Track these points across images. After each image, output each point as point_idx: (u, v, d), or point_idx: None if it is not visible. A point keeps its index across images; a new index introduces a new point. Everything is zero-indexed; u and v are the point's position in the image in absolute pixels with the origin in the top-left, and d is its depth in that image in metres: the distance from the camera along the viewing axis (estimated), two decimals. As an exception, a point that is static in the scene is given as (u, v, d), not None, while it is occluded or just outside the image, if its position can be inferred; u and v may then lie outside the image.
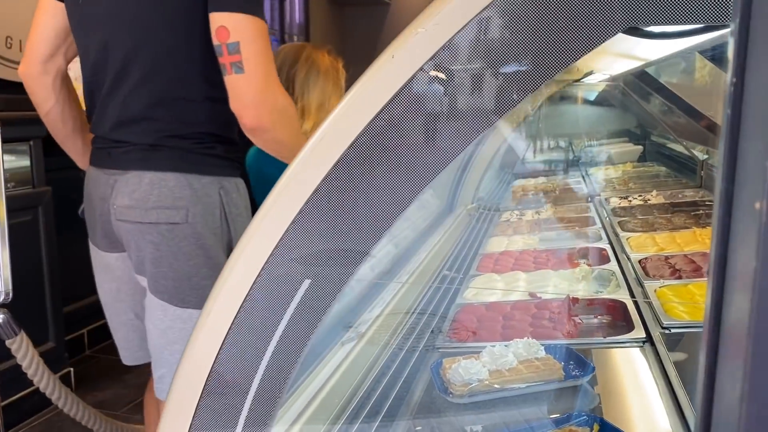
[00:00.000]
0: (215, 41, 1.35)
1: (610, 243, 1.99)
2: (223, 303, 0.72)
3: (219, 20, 1.34)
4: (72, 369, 3.02)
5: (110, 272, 1.65)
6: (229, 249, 1.50)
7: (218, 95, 1.41)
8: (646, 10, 0.57)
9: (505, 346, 1.16)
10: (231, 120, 1.42)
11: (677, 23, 0.58)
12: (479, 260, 1.99)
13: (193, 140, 1.45)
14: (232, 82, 1.36)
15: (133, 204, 1.45)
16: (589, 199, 2.83)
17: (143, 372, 3.20)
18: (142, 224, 1.45)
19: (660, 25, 0.57)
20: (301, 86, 1.91)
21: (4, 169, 1.39)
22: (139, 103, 1.46)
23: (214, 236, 1.45)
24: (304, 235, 0.69)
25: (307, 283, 0.69)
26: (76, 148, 1.80)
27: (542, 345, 1.17)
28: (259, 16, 1.36)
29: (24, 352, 1.58)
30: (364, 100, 0.65)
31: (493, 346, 1.16)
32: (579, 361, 1.16)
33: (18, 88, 3.01)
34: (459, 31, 0.61)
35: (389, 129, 0.65)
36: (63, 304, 3.05)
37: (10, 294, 1.38)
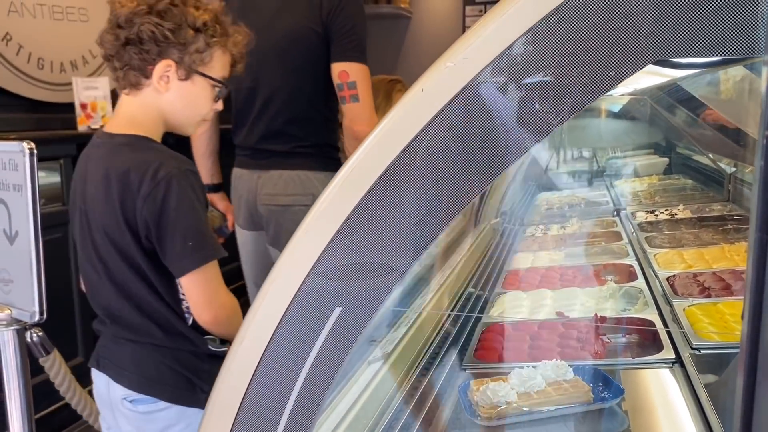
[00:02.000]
0: (337, 80, 2.04)
1: (637, 259, 1.98)
2: (255, 332, 0.73)
3: (341, 67, 2.03)
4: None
5: (244, 246, 2.30)
6: None
7: (332, 117, 2.18)
8: (676, 43, 0.58)
9: (534, 368, 1.16)
10: (337, 133, 2.17)
11: (708, 56, 0.58)
12: (505, 277, 1.98)
13: (316, 147, 2.15)
14: (351, 108, 2.05)
15: (275, 192, 2.12)
16: (615, 213, 2.81)
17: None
18: (281, 206, 2.11)
19: (691, 57, 0.57)
20: None
21: (39, 191, 1.42)
22: (279, 123, 2.12)
23: None
24: (334, 264, 0.70)
25: (338, 311, 0.70)
26: (207, 165, 2.34)
27: (571, 366, 1.17)
28: (366, 64, 2.05)
29: (56, 370, 1.60)
30: (395, 133, 0.66)
31: (521, 368, 1.16)
32: (608, 383, 1.15)
33: (48, 107, 3.09)
34: (487, 66, 0.62)
35: (419, 161, 0.66)
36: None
37: (45, 314, 1.40)
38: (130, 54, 1.25)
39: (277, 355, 0.72)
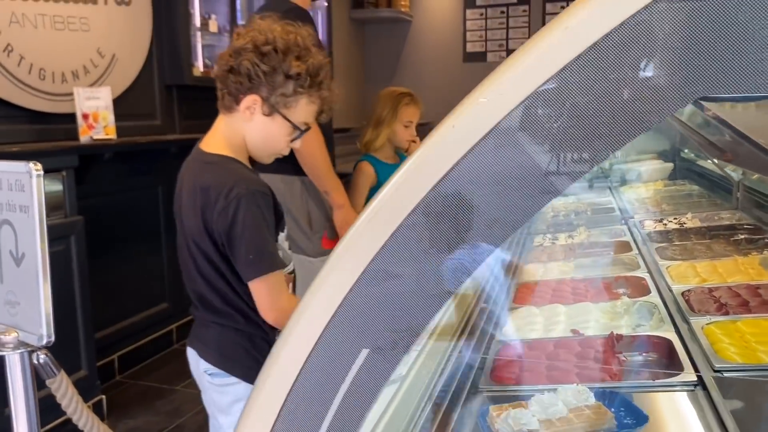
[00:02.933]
0: None
1: (649, 271, 1.95)
2: (278, 374, 0.71)
3: None
4: (104, 396, 3.03)
5: None
6: None
7: None
8: (717, 81, 0.55)
9: (554, 392, 1.13)
10: None
11: (750, 92, 0.56)
12: (516, 290, 1.96)
13: None
14: None
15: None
16: (623, 221, 2.78)
17: (175, 399, 3.21)
18: None
19: (732, 94, 0.55)
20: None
21: (44, 207, 1.39)
22: None
23: None
24: (358, 310, 0.67)
25: (365, 352, 0.67)
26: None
27: (591, 390, 1.14)
28: None
29: (63, 391, 1.57)
30: (423, 170, 0.64)
31: (542, 394, 1.13)
32: (630, 408, 1.13)
33: (49, 118, 3.06)
34: (522, 102, 0.59)
35: (449, 199, 0.63)
36: (94, 332, 3.07)
37: (53, 337, 1.37)
38: (229, 81, 1.43)
39: (296, 407, 0.69)
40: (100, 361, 3.16)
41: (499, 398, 1.24)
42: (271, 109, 1.43)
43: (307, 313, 0.70)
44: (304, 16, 2.26)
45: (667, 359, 1.40)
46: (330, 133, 2.63)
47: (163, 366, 3.62)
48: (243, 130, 1.48)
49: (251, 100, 1.42)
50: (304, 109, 1.46)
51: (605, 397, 1.15)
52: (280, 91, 1.41)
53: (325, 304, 0.68)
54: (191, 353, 1.59)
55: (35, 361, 1.52)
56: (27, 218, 1.44)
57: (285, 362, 0.70)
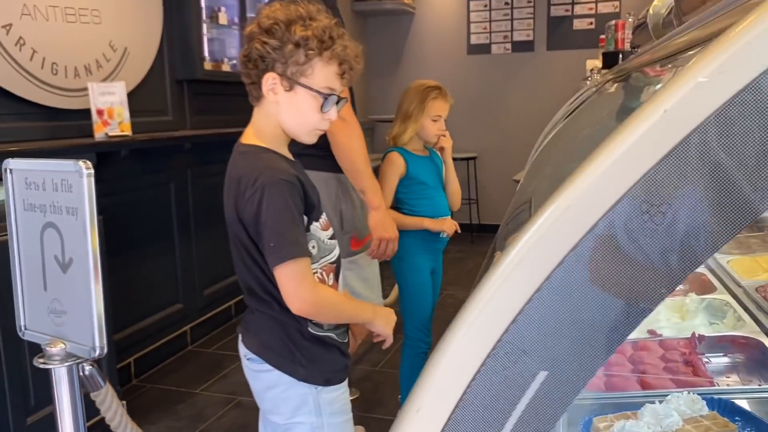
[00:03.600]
0: None
1: (707, 266, 1.88)
2: (432, 403, 0.62)
3: None
4: (124, 402, 2.93)
5: None
6: None
7: None
8: None
9: (665, 402, 1.05)
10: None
11: None
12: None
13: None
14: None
15: None
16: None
17: (196, 402, 3.12)
18: None
19: None
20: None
21: (95, 207, 1.29)
22: None
23: None
24: (536, 322, 0.59)
25: (543, 375, 0.59)
26: None
27: (703, 399, 1.07)
28: None
29: (108, 404, 1.47)
30: (623, 167, 0.55)
31: (653, 403, 1.05)
32: (746, 417, 1.05)
33: (63, 114, 2.95)
34: (757, 78, 0.51)
35: (657, 199, 0.54)
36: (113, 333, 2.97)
37: (105, 348, 1.28)
38: (248, 70, 1.43)
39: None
40: (117, 365, 3.07)
41: (593, 406, 1.16)
42: (291, 82, 1.43)
43: (469, 337, 0.61)
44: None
45: (757, 360, 1.33)
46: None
47: (179, 368, 3.52)
48: (275, 115, 1.48)
49: (270, 79, 1.42)
50: (322, 72, 1.43)
51: (713, 404, 1.08)
52: (293, 61, 1.40)
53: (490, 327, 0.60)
54: (240, 339, 1.63)
55: (81, 374, 1.43)
56: (75, 221, 1.34)
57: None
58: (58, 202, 1.35)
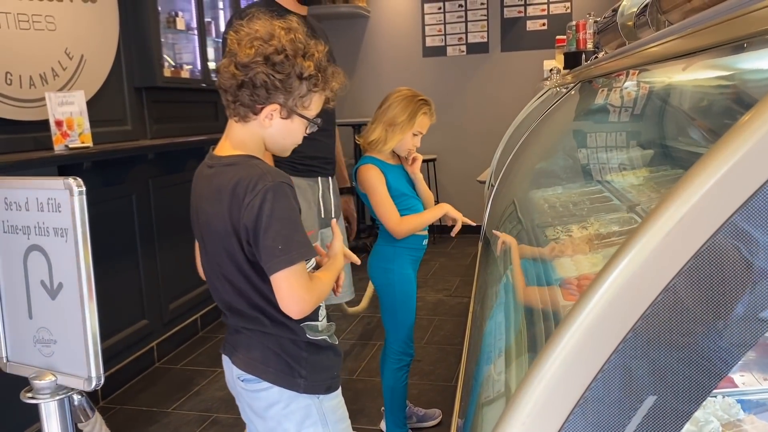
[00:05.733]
0: None
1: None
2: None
3: None
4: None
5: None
6: None
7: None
8: None
9: (702, 408, 1.03)
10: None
11: None
12: (561, 290, 1.86)
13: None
14: None
15: None
16: (628, 209, 2.73)
17: (169, 423, 3.00)
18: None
19: None
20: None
21: (88, 228, 1.20)
22: None
23: None
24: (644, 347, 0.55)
25: (651, 400, 0.55)
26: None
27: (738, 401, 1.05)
28: None
29: (98, 435, 1.38)
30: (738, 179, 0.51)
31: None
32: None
33: (19, 126, 2.79)
34: None
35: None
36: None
37: (102, 379, 1.19)
38: (243, 94, 1.43)
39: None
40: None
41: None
42: (290, 112, 1.47)
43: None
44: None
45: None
46: (332, 119, 2.53)
47: (148, 387, 3.38)
48: (261, 133, 1.50)
49: (271, 109, 1.45)
50: (317, 103, 1.51)
51: (751, 406, 1.06)
52: (297, 94, 1.46)
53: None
54: (225, 360, 1.59)
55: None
56: (65, 243, 1.24)
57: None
58: (44, 223, 1.25)
